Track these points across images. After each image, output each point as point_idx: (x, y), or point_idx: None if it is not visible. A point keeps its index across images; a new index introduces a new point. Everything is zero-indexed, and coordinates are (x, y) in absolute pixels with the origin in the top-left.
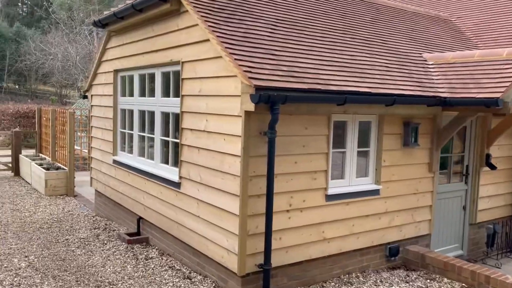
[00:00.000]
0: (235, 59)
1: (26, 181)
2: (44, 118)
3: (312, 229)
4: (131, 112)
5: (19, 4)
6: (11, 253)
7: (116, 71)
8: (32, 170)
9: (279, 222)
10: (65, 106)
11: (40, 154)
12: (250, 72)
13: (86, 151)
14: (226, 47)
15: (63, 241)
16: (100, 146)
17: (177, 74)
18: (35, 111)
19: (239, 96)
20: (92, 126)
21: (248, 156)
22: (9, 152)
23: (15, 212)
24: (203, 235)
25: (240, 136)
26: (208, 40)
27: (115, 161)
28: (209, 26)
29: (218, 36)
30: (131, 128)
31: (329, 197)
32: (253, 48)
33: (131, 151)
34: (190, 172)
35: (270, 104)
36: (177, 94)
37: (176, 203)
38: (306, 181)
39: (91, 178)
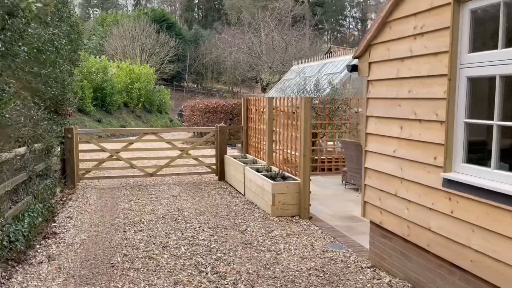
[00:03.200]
0: None
1: (235, 189)
2: (254, 109)
3: None
4: None
5: (195, 9)
6: None
7: (457, 1)
8: (246, 177)
9: None
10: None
11: (247, 155)
12: None
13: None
14: None
15: None
16: (394, 151)
17: None
18: (222, 105)
19: None
20: (369, 116)
21: None
22: (206, 151)
23: (248, 250)
24: None
25: None
26: None
27: (451, 183)
28: None
29: None
30: None
31: None
32: None
33: None
34: None
35: None
36: None
37: None
38: None
39: (366, 202)
